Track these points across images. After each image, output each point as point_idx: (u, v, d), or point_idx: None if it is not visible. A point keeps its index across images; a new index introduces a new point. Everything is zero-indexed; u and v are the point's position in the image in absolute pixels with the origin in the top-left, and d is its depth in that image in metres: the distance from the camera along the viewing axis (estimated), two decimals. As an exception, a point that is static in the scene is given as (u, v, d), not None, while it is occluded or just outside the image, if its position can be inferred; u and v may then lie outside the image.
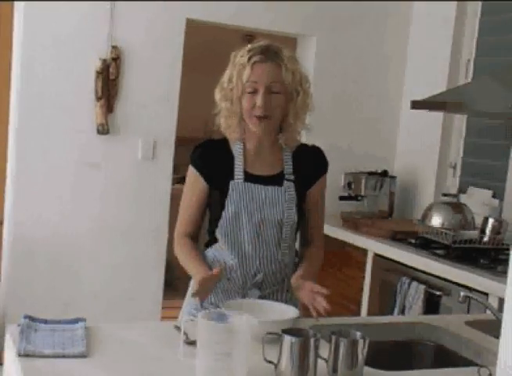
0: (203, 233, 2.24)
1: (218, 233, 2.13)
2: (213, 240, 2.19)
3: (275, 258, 2.14)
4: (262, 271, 2.13)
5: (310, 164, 2.20)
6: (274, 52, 2.06)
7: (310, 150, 2.23)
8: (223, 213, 2.10)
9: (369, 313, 3.63)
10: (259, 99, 2.03)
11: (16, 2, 3.80)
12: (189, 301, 2.19)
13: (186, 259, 2.13)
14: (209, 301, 2.13)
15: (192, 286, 2.09)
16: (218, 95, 2.13)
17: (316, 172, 2.22)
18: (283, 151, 2.18)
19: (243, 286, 2.13)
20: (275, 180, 2.14)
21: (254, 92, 2.05)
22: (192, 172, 2.18)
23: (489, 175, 3.91)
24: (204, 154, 2.17)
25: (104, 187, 3.91)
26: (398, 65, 4.49)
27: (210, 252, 2.19)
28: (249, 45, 2.11)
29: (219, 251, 2.16)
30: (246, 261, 2.12)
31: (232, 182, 2.10)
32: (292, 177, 2.15)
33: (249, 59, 2.04)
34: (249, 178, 2.12)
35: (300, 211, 2.17)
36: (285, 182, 2.14)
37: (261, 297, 2.12)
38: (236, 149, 2.15)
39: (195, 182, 2.17)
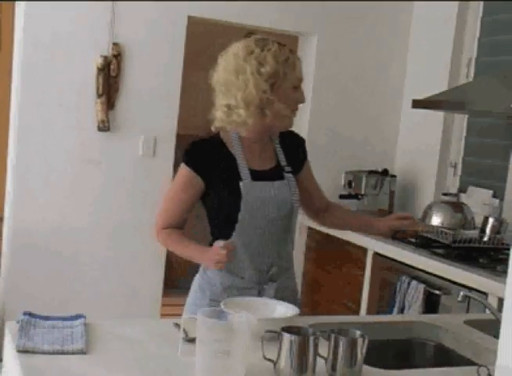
0: (205, 233, 2.22)
1: (234, 236, 2.08)
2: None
3: (285, 250, 2.17)
4: (275, 264, 2.13)
5: (294, 148, 2.24)
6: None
7: (287, 134, 2.24)
8: (239, 215, 2.06)
9: (369, 312, 3.63)
10: (302, 94, 2.13)
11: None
12: (195, 301, 2.16)
13: (182, 242, 2.11)
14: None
15: (211, 258, 1.98)
16: (257, 89, 2.02)
17: (301, 154, 2.28)
18: (273, 143, 2.20)
19: (258, 282, 2.12)
20: (276, 173, 2.15)
21: (297, 87, 2.11)
22: (186, 172, 2.10)
23: (490, 174, 3.91)
24: (202, 153, 2.12)
25: (105, 184, 3.91)
26: (399, 64, 4.49)
27: None
28: (256, 37, 2.10)
29: None
30: (258, 259, 2.11)
31: (241, 184, 2.07)
32: (289, 168, 2.18)
33: (293, 56, 2.10)
34: (255, 175, 2.10)
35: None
36: (285, 174, 2.16)
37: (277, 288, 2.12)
38: (235, 146, 2.12)
39: (190, 181, 2.10)
